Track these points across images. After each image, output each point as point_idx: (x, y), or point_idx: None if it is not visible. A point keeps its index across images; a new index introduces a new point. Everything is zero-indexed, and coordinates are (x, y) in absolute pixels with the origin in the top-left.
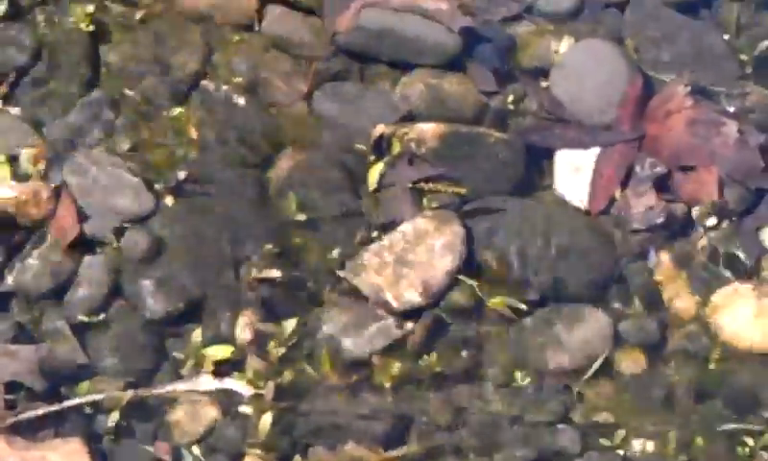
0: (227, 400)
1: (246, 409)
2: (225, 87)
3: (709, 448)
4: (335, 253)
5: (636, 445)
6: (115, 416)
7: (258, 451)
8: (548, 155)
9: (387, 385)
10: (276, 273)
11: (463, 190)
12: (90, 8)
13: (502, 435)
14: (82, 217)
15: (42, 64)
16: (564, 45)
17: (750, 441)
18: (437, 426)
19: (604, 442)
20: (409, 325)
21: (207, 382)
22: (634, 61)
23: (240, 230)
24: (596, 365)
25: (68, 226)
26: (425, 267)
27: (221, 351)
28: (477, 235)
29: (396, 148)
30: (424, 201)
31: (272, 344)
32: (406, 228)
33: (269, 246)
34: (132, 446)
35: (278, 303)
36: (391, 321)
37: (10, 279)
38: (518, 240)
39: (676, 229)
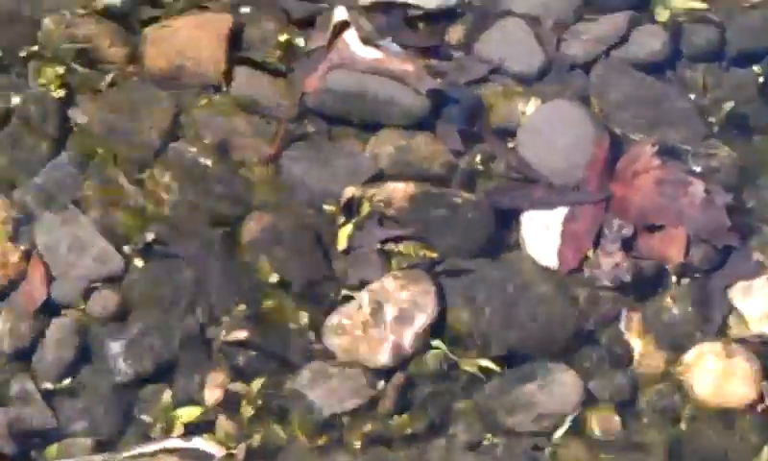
0: None
1: None
2: (193, 149)
3: None
4: (305, 314)
5: None
6: None
7: None
8: (517, 215)
9: (357, 445)
10: (245, 334)
11: (433, 253)
12: (60, 70)
13: None
14: (49, 279)
15: (11, 126)
16: (531, 106)
17: None
18: None
19: None
20: (380, 385)
21: (177, 443)
22: (600, 122)
23: (209, 292)
24: (567, 424)
25: (36, 289)
26: (395, 327)
27: (191, 413)
28: (447, 295)
29: (365, 209)
30: (393, 261)
31: (242, 404)
32: (376, 288)
33: (238, 307)
34: None
35: (249, 364)
36: (361, 381)
37: None
38: (488, 300)
39: (645, 287)
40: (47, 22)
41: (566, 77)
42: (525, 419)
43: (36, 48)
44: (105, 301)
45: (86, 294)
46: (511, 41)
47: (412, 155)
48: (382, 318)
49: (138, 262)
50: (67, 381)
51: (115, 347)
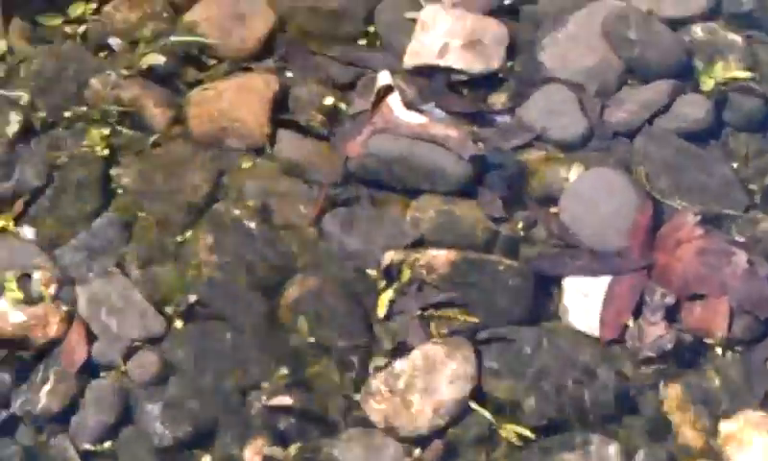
0: None
1: None
2: (236, 212)
3: None
4: (345, 379)
5: None
6: None
7: None
8: (558, 282)
9: None
10: (286, 400)
11: (473, 318)
12: (105, 131)
13: None
14: (91, 340)
15: (56, 186)
16: (574, 173)
17: None
18: None
19: None
20: (418, 452)
21: None
22: (643, 190)
23: (250, 355)
24: None
25: (77, 350)
26: (435, 394)
27: None
28: (487, 363)
29: (406, 274)
30: (434, 328)
31: None
32: (416, 354)
33: (279, 371)
34: None
35: (288, 429)
36: (400, 448)
37: (17, 403)
38: (528, 368)
39: (686, 358)
40: (93, 83)
41: (609, 144)
42: None
43: (81, 108)
44: (145, 362)
45: (127, 355)
46: (554, 108)
47: (454, 220)
48: (422, 385)
49: (179, 324)
50: (107, 444)
51: (155, 409)
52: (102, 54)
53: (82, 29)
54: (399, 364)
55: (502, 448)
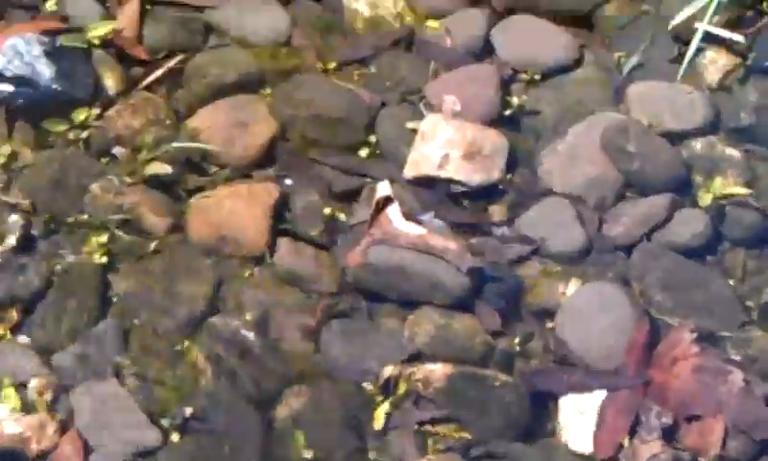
0: None
1: None
2: (233, 322)
3: None
4: None
5: None
6: None
7: None
8: (554, 398)
9: None
10: None
11: (468, 435)
12: (103, 238)
13: None
14: (87, 451)
15: (53, 294)
16: (572, 287)
17: None
18: None
19: None
20: None
21: None
22: (640, 306)
23: None
24: None
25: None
26: None
27: None
28: None
29: (402, 388)
30: (430, 442)
31: None
32: None
33: None
34: None
35: None
36: None
37: None
38: None
39: None
40: (94, 188)
41: (607, 258)
42: None
43: (82, 216)
44: None
45: None
46: (552, 220)
47: (451, 334)
48: None
49: (175, 437)
50: None
51: None
52: (104, 159)
53: (84, 134)
54: None
55: None
